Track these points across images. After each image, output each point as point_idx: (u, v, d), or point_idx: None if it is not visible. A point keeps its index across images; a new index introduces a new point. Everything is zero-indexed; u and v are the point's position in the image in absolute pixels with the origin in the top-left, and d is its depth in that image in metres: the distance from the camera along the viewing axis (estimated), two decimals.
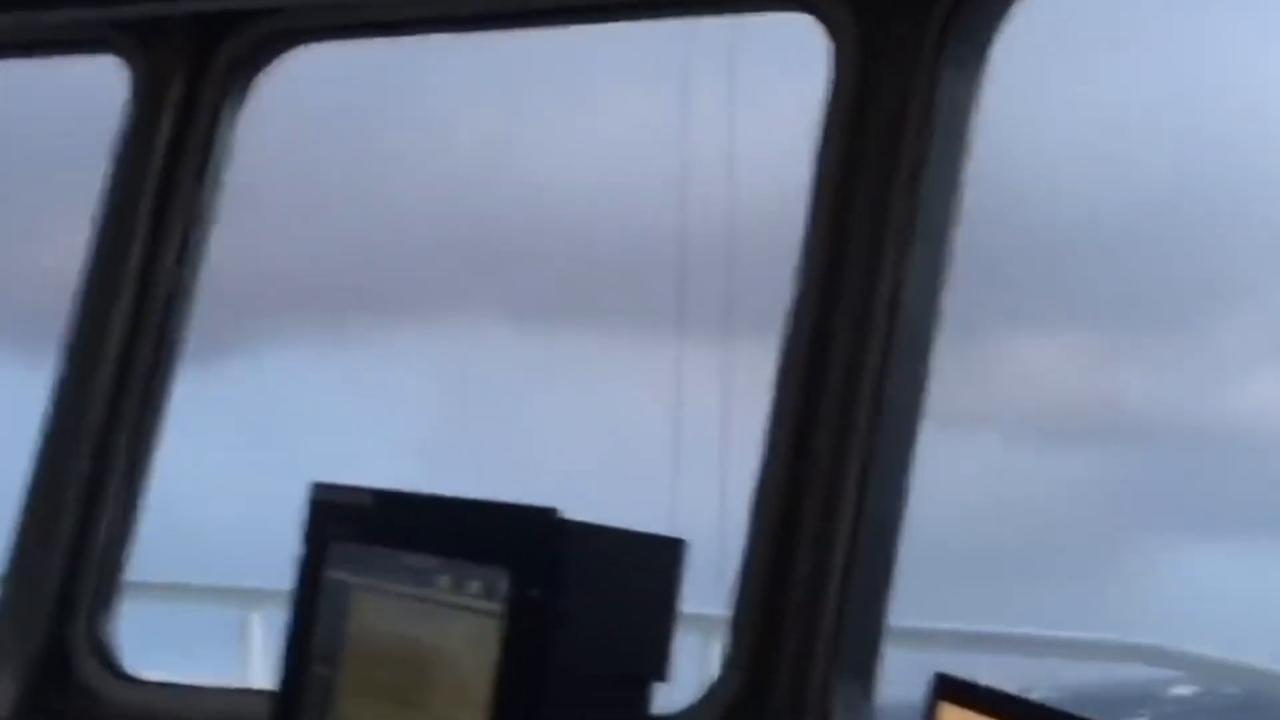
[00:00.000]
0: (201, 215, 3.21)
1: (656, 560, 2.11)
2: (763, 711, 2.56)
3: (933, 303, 2.68)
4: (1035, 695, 1.59)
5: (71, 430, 3.16)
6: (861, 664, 2.59)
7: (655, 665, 2.11)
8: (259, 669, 6.30)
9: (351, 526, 2.28)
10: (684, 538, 2.14)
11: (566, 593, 2.00)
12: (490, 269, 9.40)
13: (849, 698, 2.57)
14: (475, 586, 2.08)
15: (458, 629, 2.10)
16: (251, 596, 6.60)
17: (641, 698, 2.12)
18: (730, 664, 2.60)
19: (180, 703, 3.04)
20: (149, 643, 3.47)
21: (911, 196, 2.65)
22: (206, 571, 7.01)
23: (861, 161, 2.69)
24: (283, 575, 2.42)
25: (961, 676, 1.63)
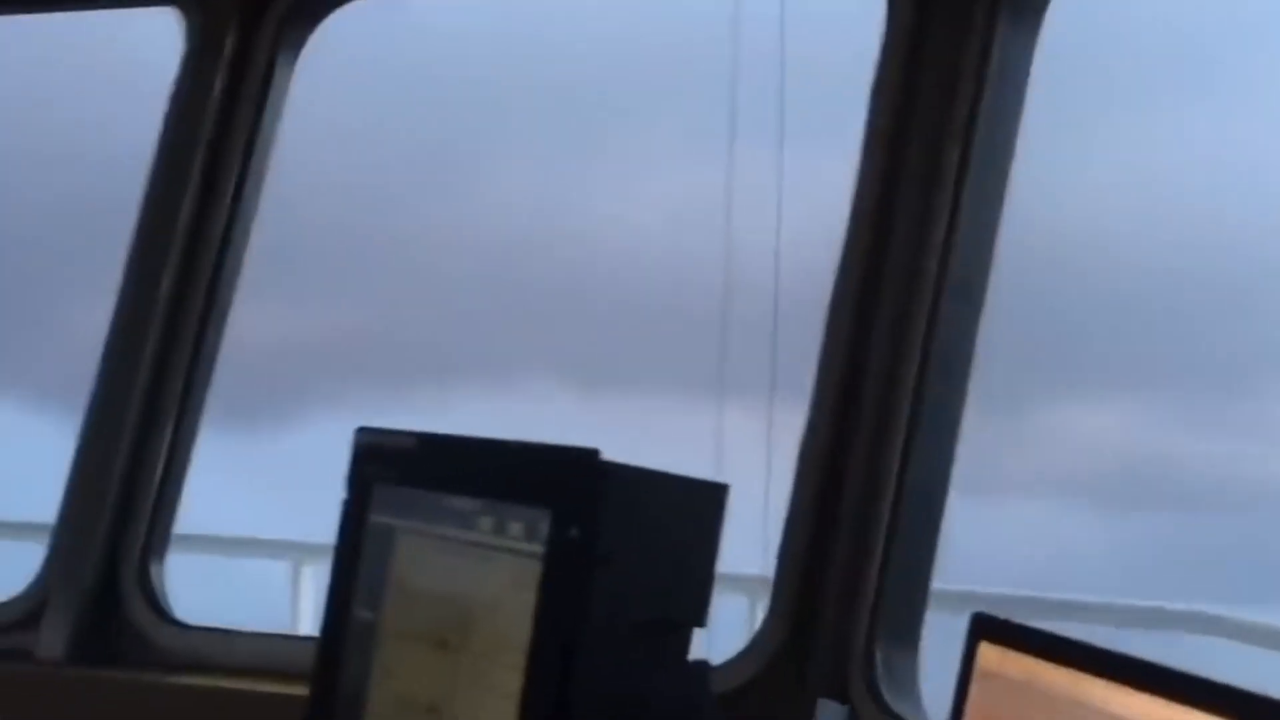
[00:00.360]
0: (254, 166, 3.22)
1: (698, 505, 2.09)
2: (805, 663, 2.56)
3: (984, 258, 2.66)
4: None
5: (124, 375, 3.19)
6: (905, 620, 2.59)
7: (695, 611, 2.10)
8: (309, 623, 6.32)
9: (395, 469, 2.29)
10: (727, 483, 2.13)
11: (607, 533, 1.99)
12: (542, 331, 9.39)
13: (892, 654, 2.57)
14: (517, 529, 2.07)
15: (499, 571, 2.09)
16: (304, 550, 6.63)
17: (681, 643, 2.11)
18: (774, 616, 2.60)
19: (226, 647, 3.08)
20: (202, 595, 3.50)
21: (964, 153, 2.63)
22: None
23: (913, 118, 2.67)
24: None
25: (1000, 616, 1.62)
